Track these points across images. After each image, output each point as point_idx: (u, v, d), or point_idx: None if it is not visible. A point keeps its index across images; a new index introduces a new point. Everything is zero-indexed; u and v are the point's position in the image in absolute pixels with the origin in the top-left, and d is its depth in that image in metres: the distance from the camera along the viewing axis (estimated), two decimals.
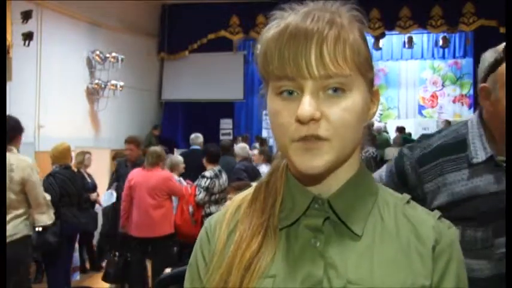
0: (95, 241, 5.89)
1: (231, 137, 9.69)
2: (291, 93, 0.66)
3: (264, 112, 10.15)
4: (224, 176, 4.79)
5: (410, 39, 10.17)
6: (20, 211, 3.20)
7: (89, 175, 5.59)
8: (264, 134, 10.17)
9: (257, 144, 8.47)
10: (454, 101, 11.66)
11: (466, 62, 11.19)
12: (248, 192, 0.79)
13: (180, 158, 5.52)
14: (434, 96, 11.81)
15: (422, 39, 11.24)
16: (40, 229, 3.38)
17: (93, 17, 8.06)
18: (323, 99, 0.65)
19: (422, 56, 11.55)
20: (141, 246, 4.52)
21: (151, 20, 10.21)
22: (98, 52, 8.04)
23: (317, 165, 0.66)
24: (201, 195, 4.60)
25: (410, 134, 9.50)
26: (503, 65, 1.15)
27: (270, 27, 0.69)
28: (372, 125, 8.40)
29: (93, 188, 5.53)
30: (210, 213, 4.45)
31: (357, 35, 0.67)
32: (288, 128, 0.66)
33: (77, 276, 5.34)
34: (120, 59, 8.19)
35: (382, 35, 9.61)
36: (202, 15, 9.79)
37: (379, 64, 11.03)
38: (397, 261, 0.68)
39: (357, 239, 0.69)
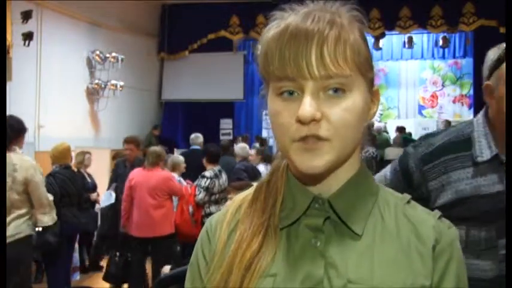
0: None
1: (231, 137, 9.70)
2: (291, 93, 0.67)
3: (264, 112, 10.15)
4: (224, 176, 4.79)
5: (410, 39, 10.17)
6: (23, 211, 3.20)
7: (89, 175, 5.60)
8: (264, 134, 10.17)
9: (257, 144, 8.48)
10: (454, 101, 11.65)
11: (466, 62, 11.19)
12: (249, 192, 0.79)
13: (182, 158, 5.53)
14: (434, 96, 11.81)
15: (422, 39, 11.23)
16: (40, 229, 3.38)
17: (93, 17, 8.06)
18: (323, 99, 0.65)
19: (422, 56, 11.55)
20: (141, 246, 4.53)
21: (151, 20, 10.21)
22: (98, 52, 8.05)
23: (317, 165, 0.66)
24: (200, 195, 4.60)
25: (410, 134, 9.51)
26: None
27: (271, 28, 0.69)
28: (372, 125, 8.40)
29: (93, 188, 5.53)
30: (210, 213, 4.45)
31: (357, 35, 0.67)
32: (288, 128, 0.66)
33: (77, 276, 5.34)
34: (120, 59, 8.20)
35: (382, 35, 9.61)
36: (202, 15, 9.79)
37: (379, 64, 11.02)
38: (397, 261, 0.69)
39: (357, 239, 0.69)
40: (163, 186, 4.49)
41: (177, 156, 5.83)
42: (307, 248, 0.69)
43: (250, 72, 10.80)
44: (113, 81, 8.21)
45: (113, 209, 5.24)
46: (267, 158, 6.24)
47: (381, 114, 11.56)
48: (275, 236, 0.71)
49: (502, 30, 7.89)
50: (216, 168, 4.79)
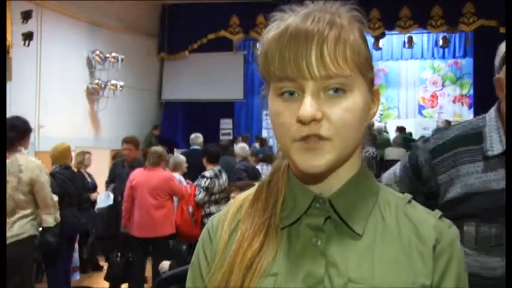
0: None
1: (231, 137, 9.70)
2: (292, 94, 0.67)
3: (264, 112, 10.16)
4: (224, 176, 4.79)
5: (410, 39, 10.18)
6: (28, 211, 3.20)
7: (89, 175, 5.60)
8: (264, 134, 10.18)
9: (257, 145, 8.48)
10: (454, 101, 11.66)
11: (466, 62, 11.19)
12: (250, 192, 0.80)
13: (183, 158, 5.53)
14: (434, 96, 11.81)
15: (422, 39, 11.24)
16: (40, 229, 3.39)
17: (93, 17, 8.07)
18: (324, 99, 0.66)
19: (422, 56, 11.55)
20: (142, 246, 4.53)
21: (151, 20, 10.21)
22: (98, 52, 8.05)
23: (318, 164, 0.66)
24: (200, 195, 4.60)
25: (410, 134, 9.51)
26: None
27: (271, 29, 0.69)
28: (372, 125, 8.40)
29: (93, 188, 5.53)
30: (210, 213, 4.46)
31: (357, 36, 0.68)
32: (289, 128, 0.66)
33: (76, 276, 5.34)
34: (120, 59, 8.20)
35: (382, 35, 9.62)
36: (202, 15, 9.80)
37: (379, 64, 11.02)
38: (398, 261, 0.69)
39: (358, 238, 0.70)
40: (164, 187, 4.50)
41: (179, 156, 5.84)
42: (308, 247, 0.70)
43: (250, 72, 10.80)
44: (113, 81, 8.21)
45: (111, 210, 5.25)
46: (266, 158, 6.25)
47: (381, 114, 11.56)
48: (276, 235, 0.72)
49: (502, 30, 7.89)
50: (216, 168, 4.79)
